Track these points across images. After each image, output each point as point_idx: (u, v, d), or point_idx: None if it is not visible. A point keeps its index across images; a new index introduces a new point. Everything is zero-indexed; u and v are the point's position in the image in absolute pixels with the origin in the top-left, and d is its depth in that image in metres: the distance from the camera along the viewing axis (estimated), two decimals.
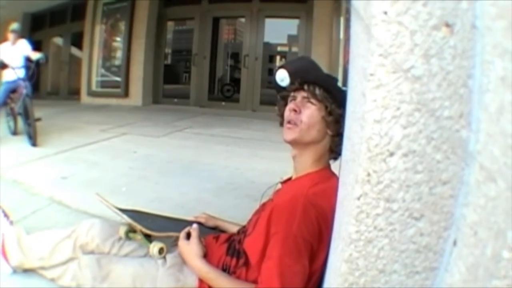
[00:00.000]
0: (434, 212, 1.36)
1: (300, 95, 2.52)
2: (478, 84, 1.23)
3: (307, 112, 2.45)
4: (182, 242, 2.68)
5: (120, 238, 2.91)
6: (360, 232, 1.44)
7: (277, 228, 2.28)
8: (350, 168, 1.56)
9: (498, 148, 1.09)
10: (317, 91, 2.46)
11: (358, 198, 1.43)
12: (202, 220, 3.19)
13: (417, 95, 1.30)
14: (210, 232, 3.06)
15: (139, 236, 2.85)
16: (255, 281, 2.33)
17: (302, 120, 2.46)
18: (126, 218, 2.85)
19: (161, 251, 2.71)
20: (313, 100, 2.46)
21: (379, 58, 1.32)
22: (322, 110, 2.44)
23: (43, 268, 3.00)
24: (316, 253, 2.24)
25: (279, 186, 2.69)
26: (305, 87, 2.51)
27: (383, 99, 1.33)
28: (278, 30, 18.67)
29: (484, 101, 1.18)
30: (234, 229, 3.01)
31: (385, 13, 1.30)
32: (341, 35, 12.75)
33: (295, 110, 2.49)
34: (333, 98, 2.42)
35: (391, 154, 1.36)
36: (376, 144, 1.36)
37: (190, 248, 2.62)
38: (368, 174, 1.39)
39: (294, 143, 2.53)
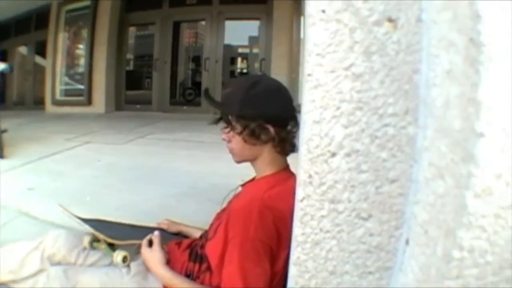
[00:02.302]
0: (383, 212, 1.34)
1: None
2: (425, 79, 1.21)
3: (233, 140, 2.49)
4: (144, 249, 2.66)
5: (85, 248, 2.89)
6: (306, 234, 1.42)
7: (234, 232, 2.27)
8: (296, 170, 1.55)
9: (445, 144, 1.07)
10: (231, 117, 2.48)
11: (301, 200, 1.41)
12: (164, 227, 3.18)
13: (358, 94, 1.29)
14: (173, 238, 3.04)
15: (103, 245, 2.82)
16: (219, 286, 2.31)
17: (233, 148, 2.52)
18: (88, 228, 2.83)
19: (124, 259, 2.69)
20: (231, 129, 2.49)
21: (316, 57, 1.31)
22: (242, 132, 2.44)
23: (14, 281, 2.95)
24: (276, 255, 2.23)
25: (240, 189, 2.68)
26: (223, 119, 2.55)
27: (322, 99, 1.31)
28: (239, 32, 18.72)
29: (431, 96, 1.16)
30: (197, 234, 2.99)
31: (323, 11, 1.28)
32: (302, 35, 12.79)
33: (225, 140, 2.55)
34: (247, 115, 2.42)
35: (333, 155, 1.34)
36: (317, 145, 1.35)
37: (153, 256, 2.60)
38: (310, 176, 1.38)
39: (241, 162, 2.59)
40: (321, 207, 1.39)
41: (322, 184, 1.37)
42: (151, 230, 2.90)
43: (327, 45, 1.29)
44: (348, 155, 1.33)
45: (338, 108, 1.31)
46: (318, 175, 1.37)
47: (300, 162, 1.41)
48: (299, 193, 1.42)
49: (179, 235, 3.17)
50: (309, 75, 1.33)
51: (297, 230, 1.45)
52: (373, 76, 1.28)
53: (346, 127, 1.31)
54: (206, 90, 2.82)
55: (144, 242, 2.70)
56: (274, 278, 2.25)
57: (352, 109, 1.30)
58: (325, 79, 1.31)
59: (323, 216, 1.39)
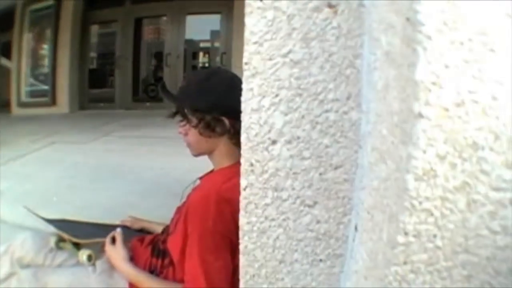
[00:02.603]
0: (329, 198, 1.33)
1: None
2: (367, 63, 1.21)
3: (189, 133, 2.51)
4: (107, 247, 2.68)
5: (52, 249, 2.91)
6: (252, 223, 1.42)
7: (193, 226, 2.29)
8: None
9: (386, 127, 1.06)
10: (186, 110, 2.50)
11: (244, 189, 1.41)
12: (128, 224, 3.20)
13: (297, 80, 1.28)
14: (137, 234, 3.05)
15: (68, 245, 2.85)
16: (182, 280, 2.34)
17: (189, 141, 2.55)
18: (53, 228, 2.83)
19: (89, 258, 2.72)
20: (187, 122, 2.51)
21: (253, 46, 1.30)
22: (197, 125, 2.47)
23: None
24: (237, 247, 2.23)
25: (198, 182, 2.69)
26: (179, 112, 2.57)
27: (260, 87, 1.31)
28: (201, 26, 18.65)
29: (373, 80, 1.15)
30: (160, 229, 2.99)
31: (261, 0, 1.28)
32: None
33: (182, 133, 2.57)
34: (201, 107, 2.45)
35: (274, 142, 1.33)
36: (256, 133, 1.34)
37: (116, 253, 2.62)
38: (251, 164, 1.37)
39: (199, 155, 2.61)
40: (264, 195, 1.38)
41: (264, 172, 1.36)
42: (114, 227, 2.92)
43: (265, 33, 1.29)
44: (289, 142, 1.32)
45: (277, 95, 1.30)
46: (259, 163, 1.36)
47: (242, 151, 1.40)
48: (242, 182, 1.41)
49: (143, 232, 3.19)
50: (246, 63, 1.32)
51: (243, 219, 1.45)
52: (312, 62, 1.27)
53: (285, 114, 1.30)
54: (162, 85, 2.81)
55: (107, 239, 2.72)
56: (237, 271, 2.25)
57: (292, 95, 1.29)
58: (263, 67, 1.30)
59: (267, 204, 1.39)
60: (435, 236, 1.01)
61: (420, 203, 0.99)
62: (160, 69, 18.39)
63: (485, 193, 0.98)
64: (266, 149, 1.34)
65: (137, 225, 3.23)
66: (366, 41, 1.22)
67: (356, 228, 1.28)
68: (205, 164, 2.64)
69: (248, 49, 1.31)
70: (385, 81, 1.08)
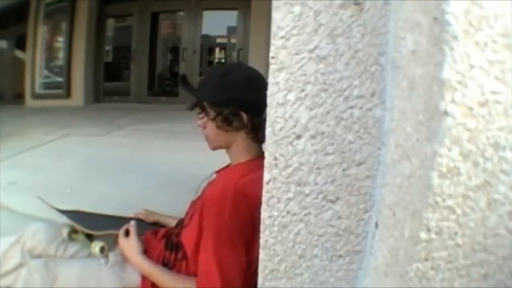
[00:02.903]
0: (351, 194, 1.33)
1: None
2: (391, 60, 1.21)
3: (207, 127, 2.51)
4: (121, 239, 2.68)
5: (64, 240, 2.88)
6: (273, 217, 1.41)
7: (209, 220, 2.28)
8: None
9: (410, 124, 1.07)
10: (205, 103, 2.50)
11: (268, 183, 1.40)
12: (141, 217, 3.19)
13: (323, 76, 1.28)
14: (150, 228, 3.05)
15: (81, 237, 2.84)
16: (195, 274, 2.34)
17: (207, 135, 2.54)
18: (66, 219, 2.84)
19: (102, 250, 2.69)
20: (205, 115, 2.51)
21: (280, 40, 1.30)
22: (215, 119, 2.46)
23: None
24: (252, 242, 2.22)
25: (214, 176, 2.69)
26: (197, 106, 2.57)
27: (286, 82, 1.31)
28: (218, 22, 18.56)
29: (397, 78, 1.16)
30: (174, 223, 3.00)
31: None
32: None
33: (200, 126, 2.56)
34: (219, 101, 2.44)
35: (298, 137, 1.33)
36: (281, 127, 1.34)
37: (130, 245, 2.63)
38: (275, 158, 1.37)
39: (216, 149, 2.60)
40: (287, 189, 1.38)
41: (287, 166, 1.36)
42: (128, 220, 2.91)
43: (292, 28, 1.29)
44: (313, 137, 1.32)
45: (303, 90, 1.30)
46: (283, 157, 1.36)
47: (266, 145, 1.40)
48: (265, 175, 1.41)
49: (157, 225, 3.18)
50: (272, 57, 1.32)
51: (264, 213, 1.44)
52: (338, 58, 1.27)
53: (311, 109, 1.31)
54: (183, 77, 2.80)
55: (121, 232, 2.72)
56: (251, 266, 2.25)
57: (317, 91, 1.29)
58: (289, 62, 1.30)
59: (289, 199, 1.39)
60: (456, 233, 1.02)
61: (444, 200, 1.00)
62: (176, 64, 18.27)
63: (504, 193, 1.00)
64: (291, 143, 1.34)
65: (151, 218, 3.23)
66: (391, 39, 1.22)
67: (376, 225, 1.29)
68: (220, 159, 2.64)
69: (275, 44, 1.32)
70: (411, 79, 1.08)
